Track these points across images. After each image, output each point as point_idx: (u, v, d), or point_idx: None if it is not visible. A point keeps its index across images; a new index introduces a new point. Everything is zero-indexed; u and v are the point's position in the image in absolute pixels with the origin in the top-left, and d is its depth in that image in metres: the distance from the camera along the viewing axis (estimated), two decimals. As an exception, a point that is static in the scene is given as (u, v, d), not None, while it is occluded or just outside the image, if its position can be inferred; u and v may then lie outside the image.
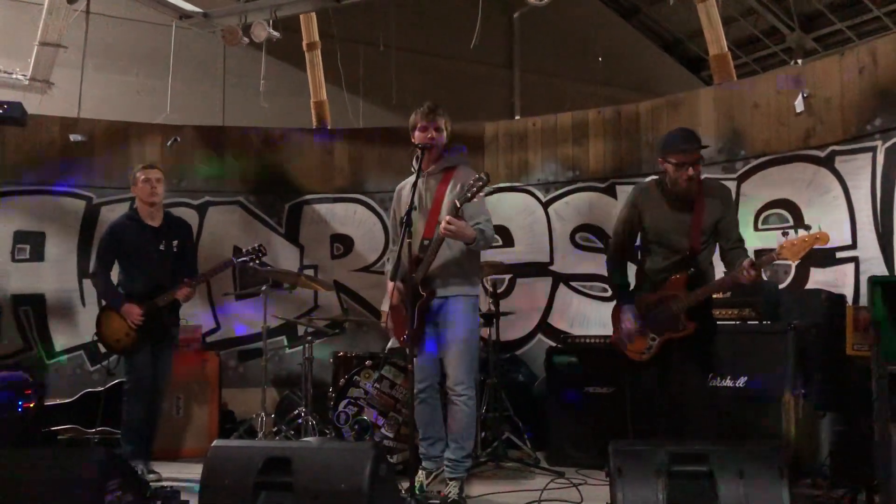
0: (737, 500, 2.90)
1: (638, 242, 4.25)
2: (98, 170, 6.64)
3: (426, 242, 4.06)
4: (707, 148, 4.10)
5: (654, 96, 6.74)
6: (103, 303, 5.14)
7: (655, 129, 6.17)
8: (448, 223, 3.82)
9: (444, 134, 4.16)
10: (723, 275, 3.99)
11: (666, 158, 3.93)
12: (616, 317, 4.19)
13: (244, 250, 5.14)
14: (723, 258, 4.01)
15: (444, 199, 4.09)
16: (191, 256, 5.26)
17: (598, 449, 4.98)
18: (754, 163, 5.71)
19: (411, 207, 3.84)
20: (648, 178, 4.38)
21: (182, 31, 7.74)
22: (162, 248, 5.01)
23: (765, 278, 5.48)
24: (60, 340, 6.43)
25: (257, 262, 5.15)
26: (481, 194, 3.86)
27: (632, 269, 4.30)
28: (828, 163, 5.30)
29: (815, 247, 3.64)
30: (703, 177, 4.01)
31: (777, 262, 3.83)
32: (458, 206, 3.85)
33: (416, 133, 4.13)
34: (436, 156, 4.19)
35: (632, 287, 4.20)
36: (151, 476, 4.69)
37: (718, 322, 4.76)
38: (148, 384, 4.89)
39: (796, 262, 3.71)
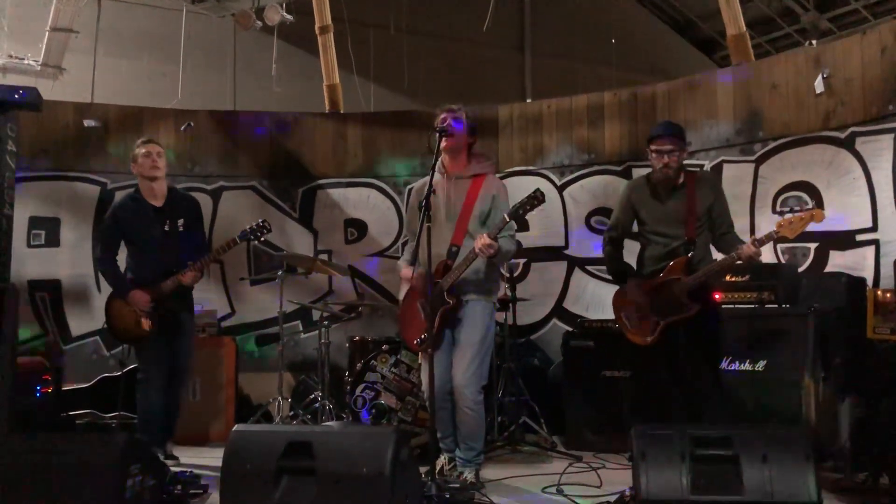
0: (761, 485, 2.89)
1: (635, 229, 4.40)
2: (112, 155, 6.63)
3: (454, 249, 4.07)
4: (685, 140, 4.25)
5: (666, 78, 6.68)
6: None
7: (673, 111, 6.12)
8: (488, 246, 3.86)
9: (464, 127, 4.11)
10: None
11: (648, 146, 4.18)
12: (616, 303, 4.32)
13: (248, 227, 4.88)
14: (716, 244, 4.14)
15: (474, 208, 4.10)
16: (199, 235, 5.04)
17: (616, 433, 5.02)
18: (773, 145, 5.65)
19: (430, 190, 3.80)
20: (638, 176, 4.50)
21: (192, 16, 7.73)
22: (167, 228, 4.81)
23: (783, 261, 5.46)
24: (76, 326, 6.45)
25: (262, 237, 4.92)
26: (533, 213, 3.94)
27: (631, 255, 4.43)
28: (848, 144, 5.24)
29: (812, 224, 3.76)
30: (690, 170, 4.23)
31: (779, 241, 4.01)
32: (507, 220, 3.91)
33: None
34: (460, 157, 4.16)
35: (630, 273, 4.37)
36: (169, 461, 4.67)
37: (738, 305, 4.79)
38: (162, 374, 4.77)
39: (793, 239, 3.87)
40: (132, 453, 3.41)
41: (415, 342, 4.15)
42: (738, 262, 3.91)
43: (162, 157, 4.86)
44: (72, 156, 6.56)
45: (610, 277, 6.17)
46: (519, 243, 5.54)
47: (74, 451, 3.35)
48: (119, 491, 3.27)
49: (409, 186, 6.70)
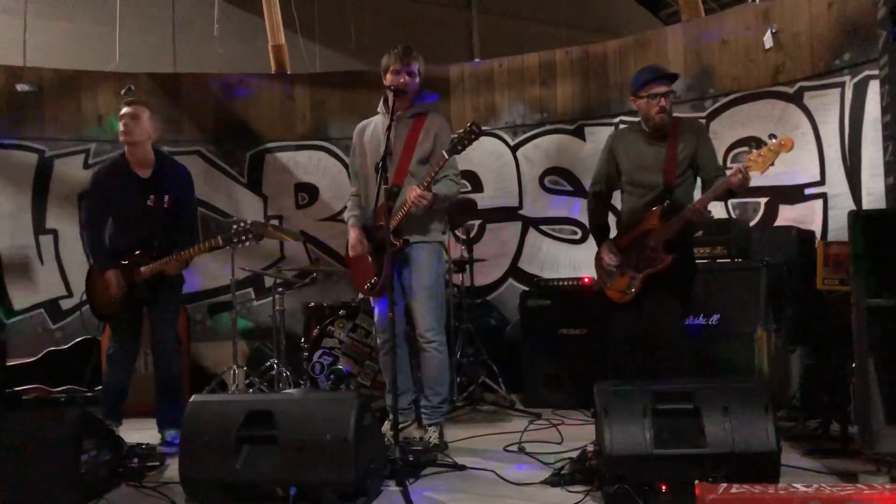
0: (723, 436, 2.93)
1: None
2: (50, 121, 6.35)
3: (396, 190, 3.99)
4: (678, 78, 4.09)
5: (614, 36, 6.67)
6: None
7: (624, 69, 6.11)
8: (419, 197, 3.81)
9: (417, 80, 4.05)
10: None
11: (638, 94, 3.93)
12: (598, 261, 4.18)
13: (233, 229, 4.41)
14: (705, 189, 3.95)
15: (416, 146, 4.02)
16: (188, 213, 4.59)
17: (574, 390, 5.08)
18: (723, 100, 5.70)
19: (386, 152, 3.73)
20: (622, 126, 4.33)
21: (127, -26, 7.42)
22: (150, 203, 4.35)
23: (734, 216, 5.53)
24: (19, 299, 6.24)
25: (246, 242, 4.45)
26: (471, 147, 3.84)
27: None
28: (797, 99, 5.31)
29: (781, 153, 3.61)
30: (674, 115, 4.00)
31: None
32: (446, 157, 3.83)
33: (389, 76, 3.98)
34: (406, 101, 4.07)
35: (611, 233, 4.21)
36: (167, 449, 4.21)
37: (692, 260, 4.81)
38: (127, 352, 4.50)
39: (762, 173, 3.65)
40: (86, 428, 3.33)
41: (364, 286, 4.08)
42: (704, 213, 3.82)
43: (137, 120, 4.34)
44: (6, 123, 6.27)
45: (567, 236, 6.34)
46: (471, 201, 5.54)
47: (26, 427, 3.26)
48: (74, 466, 3.20)
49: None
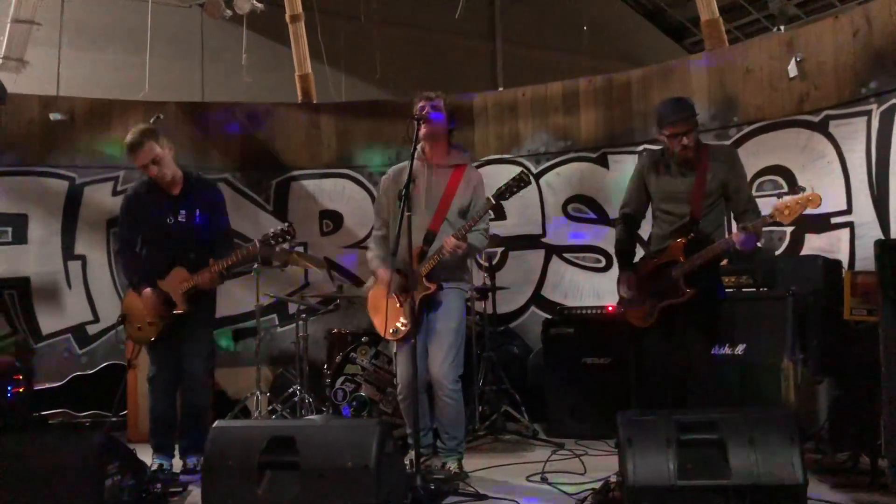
0: (748, 468, 2.89)
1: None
2: (80, 149, 6.49)
3: (431, 236, 4.05)
4: (698, 115, 4.10)
5: (637, 65, 6.69)
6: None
7: (647, 97, 6.12)
8: (456, 246, 3.87)
9: (443, 115, 4.07)
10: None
11: (661, 131, 3.98)
12: (619, 284, 4.22)
13: (270, 232, 4.37)
14: (737, 221, 3.99)
15: (455, 196, 4.08)
16: (220, 226, 4.48)
17: (597, 419, 5.03)
18: (747, 129, 5.67)
19: (409, 180, 3.76)
20: (655, 148, 4.34)
21: (157, 6, 7.57)
22: (181, 218, 4.33)
23: (759, 245, 5.48)
24: (47, 324, 6.31)
25: (282, 243, 4.44)
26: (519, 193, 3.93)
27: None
28: (822, 128, 5.27)
29: (808, 209, 3.65)
30: (707, 143, 4.04)
31: (770, 226, 3.81)
32: (493, 203, 3.92)
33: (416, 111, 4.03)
34: (440, 145, 4.12)
35: (636, 256, 4.24)
36: (186, 476, 4.13)
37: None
38: (166, 378, 4.39)
39: (788, 224, 3.70)
40: (109, 452, 3.35)
41: (390, 331, 4.05)
42: (729, 250, 3.84)
43: (160, 163, 4.29)
44: (38, 150, 6.40)
45: (591, 264, 6.32)
46: (492, 235, 5.54)
47: (50, 452, 3.29)
48: (97, 491, 3.21)
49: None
